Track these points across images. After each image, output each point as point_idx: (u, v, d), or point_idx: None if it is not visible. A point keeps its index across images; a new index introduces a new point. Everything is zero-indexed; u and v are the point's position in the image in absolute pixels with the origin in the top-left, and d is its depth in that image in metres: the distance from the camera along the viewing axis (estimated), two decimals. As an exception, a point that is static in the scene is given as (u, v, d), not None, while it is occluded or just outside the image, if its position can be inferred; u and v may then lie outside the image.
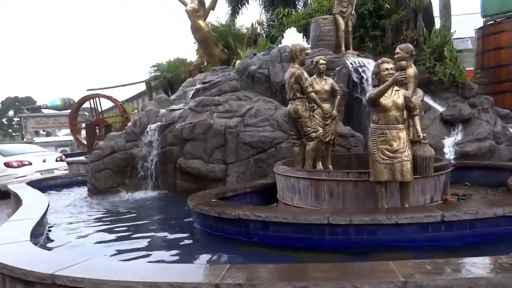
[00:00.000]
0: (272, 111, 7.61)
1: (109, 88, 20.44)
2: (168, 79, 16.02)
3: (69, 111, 19.63)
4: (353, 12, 9.35)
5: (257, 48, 12.17)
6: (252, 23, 14.63)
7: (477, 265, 2.45)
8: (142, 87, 22.39)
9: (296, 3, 16.85)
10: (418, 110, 4.56)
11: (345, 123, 7.84)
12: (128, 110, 17.82)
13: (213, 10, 13.50)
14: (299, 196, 5.12)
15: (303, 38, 10.53)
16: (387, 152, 4.26)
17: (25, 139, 34.27)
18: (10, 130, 57.14)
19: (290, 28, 11.17)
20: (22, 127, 37.79)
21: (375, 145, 4.34)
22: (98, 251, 4.33)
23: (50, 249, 4.41)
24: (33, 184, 8.41)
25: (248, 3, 18.27)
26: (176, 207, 6.26)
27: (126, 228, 5.29)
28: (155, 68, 16.95)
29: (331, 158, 5.98)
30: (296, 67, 5.48)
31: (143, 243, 4.55)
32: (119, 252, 4.22)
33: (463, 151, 7.78)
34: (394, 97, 4.30)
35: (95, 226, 5.58)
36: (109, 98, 17.00)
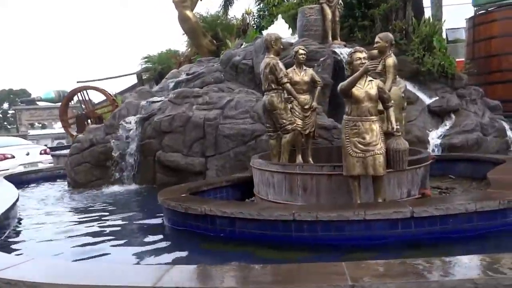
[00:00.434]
0: (253, 103, 7.41)
1: (100, 80, 20.16)
2: (159, 71, 15.72)
3: (62, 104, 19.37)
4: (340, 1, 9.12)
5: (246, 39, 11.91)
6: (242, 14, 14.37)
7: (434, 267, 2.29)
8: (135, 79, 22.14)
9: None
10: (393, 102, 4.36)
11: (330, 115, 7.64)
12: (119, 102, 17.56)
13: (201, 0, 13.26)
14: (273, 191, 4.95)
15: (289, 28, 10.29)
16: (359, 145, 4.09)
17: (19, 132, 34.02)
18: (5, 123, 56.76)
19: (279, 18, 10.93)
20: (17, 120, 37.50)
21: (347, 137, 4.16)
22: (58, 248, 4.16)
23: (10, 244, 4.27)
24: (12, 177, 8.25)
25: (241, -7, 17.98)
26: (152, 201, 6.03)
27: (95, 224, 5.14)
28: (146, 59, 16.66)
29: (312, 151, 5.81)
30: (271, 57, 5.22)
31: (108, 239, 4.39)
32: (81, 250, 4.07)
33: (449, 143, 7.59)
34: (367, 87, 4.11)
35: (66, 221, 5.42)
36: (97, 89, 16.73)
